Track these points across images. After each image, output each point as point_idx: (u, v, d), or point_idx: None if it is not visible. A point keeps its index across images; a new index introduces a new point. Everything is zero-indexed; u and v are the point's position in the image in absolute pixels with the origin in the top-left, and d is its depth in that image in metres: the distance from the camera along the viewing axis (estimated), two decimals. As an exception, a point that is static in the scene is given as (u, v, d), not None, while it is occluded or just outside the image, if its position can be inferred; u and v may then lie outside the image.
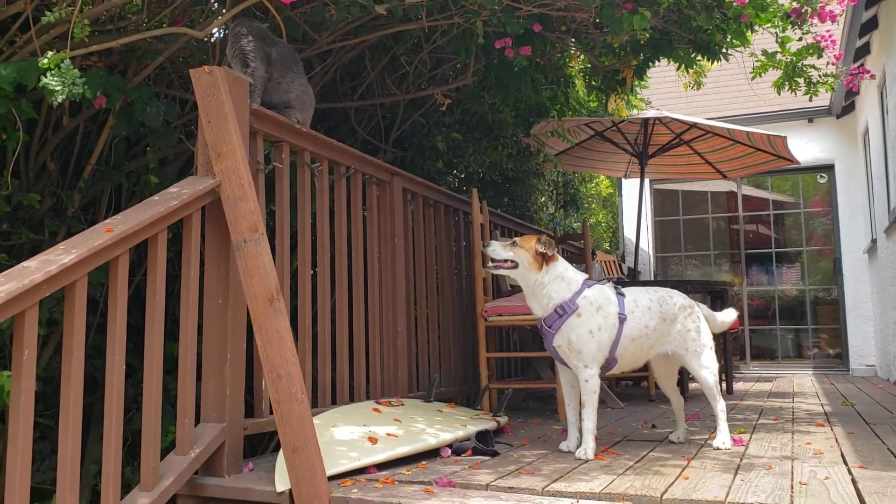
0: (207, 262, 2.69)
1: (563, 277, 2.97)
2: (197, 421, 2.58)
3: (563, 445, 3.08)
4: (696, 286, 5.91)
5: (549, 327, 2.96)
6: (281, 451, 2.40)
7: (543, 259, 2.96)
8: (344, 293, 3.46)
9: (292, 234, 3.19)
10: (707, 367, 3.09)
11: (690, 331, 3.10)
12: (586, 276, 3.06)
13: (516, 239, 3.03)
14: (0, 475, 3.03)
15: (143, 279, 3.23)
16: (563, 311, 2.92)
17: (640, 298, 3.06)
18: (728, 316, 3.34)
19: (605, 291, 3.01)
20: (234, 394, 2.62)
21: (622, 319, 2.97)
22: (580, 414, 2.95)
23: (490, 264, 3.04)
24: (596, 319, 2.92)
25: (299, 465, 2.31)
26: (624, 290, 3.09)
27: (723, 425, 3.11)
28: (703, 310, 3.23)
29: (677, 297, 3.16)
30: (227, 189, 2.55)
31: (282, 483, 2.37)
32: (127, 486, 2.45)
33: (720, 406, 3.12)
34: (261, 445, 3.89)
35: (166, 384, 2.84)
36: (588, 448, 2.89)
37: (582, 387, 2.93)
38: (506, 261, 2.99)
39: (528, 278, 2.97)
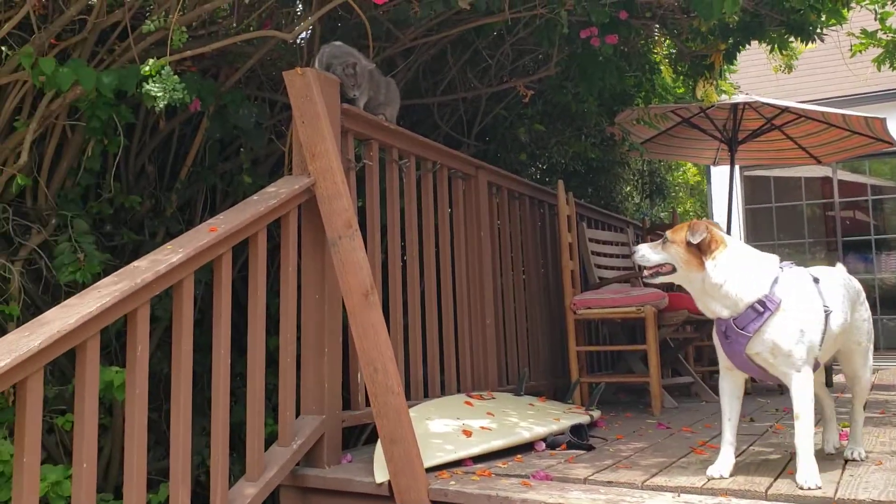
0: (304, 259, 2.75)
1: (748, 266, 2.35)
2: (297, 414, 2.65)
3: (713, 471, 2.39)
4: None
5: (743, 329, 2.32)
6: (379, 442, 2.43)
7: (700, 250, 2.35)
8: (433, 287, 3.48)
9: (382, 230, 3.22)
10: (870, 368, 2.61)
11: (866, 320, 2.56)
12: (775, 257, 2.44)
13: (667, 233, 2.44)
14: (109, 466, 3.19)
15: (237, 278, 3.31)
16: (764, 308, 2.29)
17: (833, 283, 2.46)
18: None
19: (802, 276, 2.41)
20: (332, 386, 2.67)
21: (828, 313, 2.35)
22: (795, 429, 2.32)
23: (645, 273, 2.47)
24: (804, 314, 2.31)
25: (398, 457, 2.34)
26: (811, 272, 2.48)
27: (859, 434, 2.64)
28: None
29: (854, 279, 2.60)
30: (322, 187, 2.60)
31: (381, 474, 2.41)
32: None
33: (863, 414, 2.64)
34: (352, 438, 3.96)
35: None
36: (809, 474, 2.22)
37: (798, 397, 2.30)
38: (662, 265, 2.41)
39: (692, 279, 2.37)
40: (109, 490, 3.12)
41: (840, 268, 2.60)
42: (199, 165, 3.66)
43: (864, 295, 2.60)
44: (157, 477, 3.00)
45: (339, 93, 2.88)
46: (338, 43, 3.14)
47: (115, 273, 2.04)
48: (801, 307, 2.31)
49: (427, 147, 3.48)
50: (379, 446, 2.45)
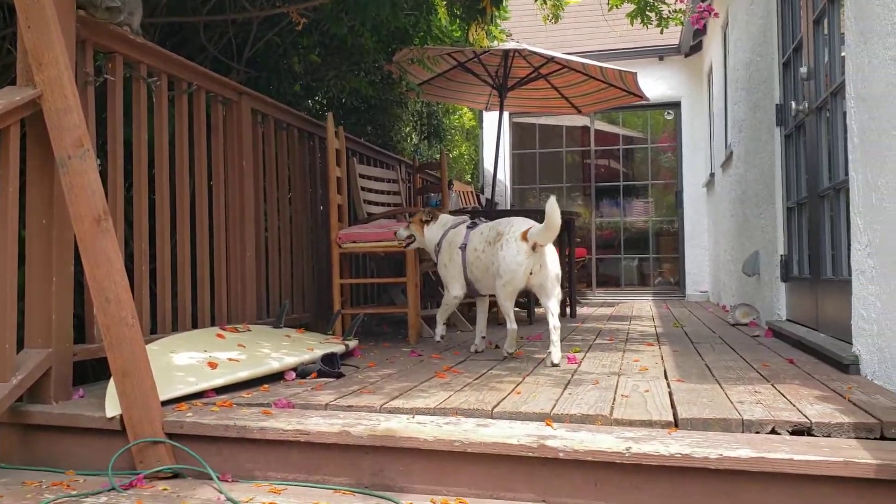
0: (29, 180, 2.51)
1: (439, 226, 3.83)
2: (21, 348, 2.45)
3: (473, 347, 3.78)
4: (542, 216, 6.09)
5: None
6: (112, 376, 2.32)
7: (425, 225, 3.88)
8: (185, 215, 3.33)
9: (127, 153, 3.02)
10: (500, 295, 3.38)
11: (496, 254, 3.37)
12: (460, 219, 3.82)
13: (409, 218, 4.05)
14: None
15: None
16: (436, 252, 3.84)
17: (481, 228, 3.59)
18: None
19: (461, 228, 3.72)
20: (60, 318, 2.49)
21: (462, 248, 3.62)
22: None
23: (405, 245, 3.99)
24: (448, 252, 3.71)
25: (130, 390, 2.25)
26: (485, 222, 3.65)
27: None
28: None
29: (504, 225, 3.39)
30: (50, 100, 2.38)
31: (112, 408, 2.31)
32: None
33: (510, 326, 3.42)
34: (105, 374, 3.75)
35: None
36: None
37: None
38: (409, 237, 3.94)
39: (421, 242, 3.94)
40: None
41: (511, 219, 3.46)
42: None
43: (500, 236, 3.35)
44: None
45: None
46: None
47: None
48: (447, 248, 3.74)
49: (182, 66, 3.28)
50: (112, 380, 2.34)
